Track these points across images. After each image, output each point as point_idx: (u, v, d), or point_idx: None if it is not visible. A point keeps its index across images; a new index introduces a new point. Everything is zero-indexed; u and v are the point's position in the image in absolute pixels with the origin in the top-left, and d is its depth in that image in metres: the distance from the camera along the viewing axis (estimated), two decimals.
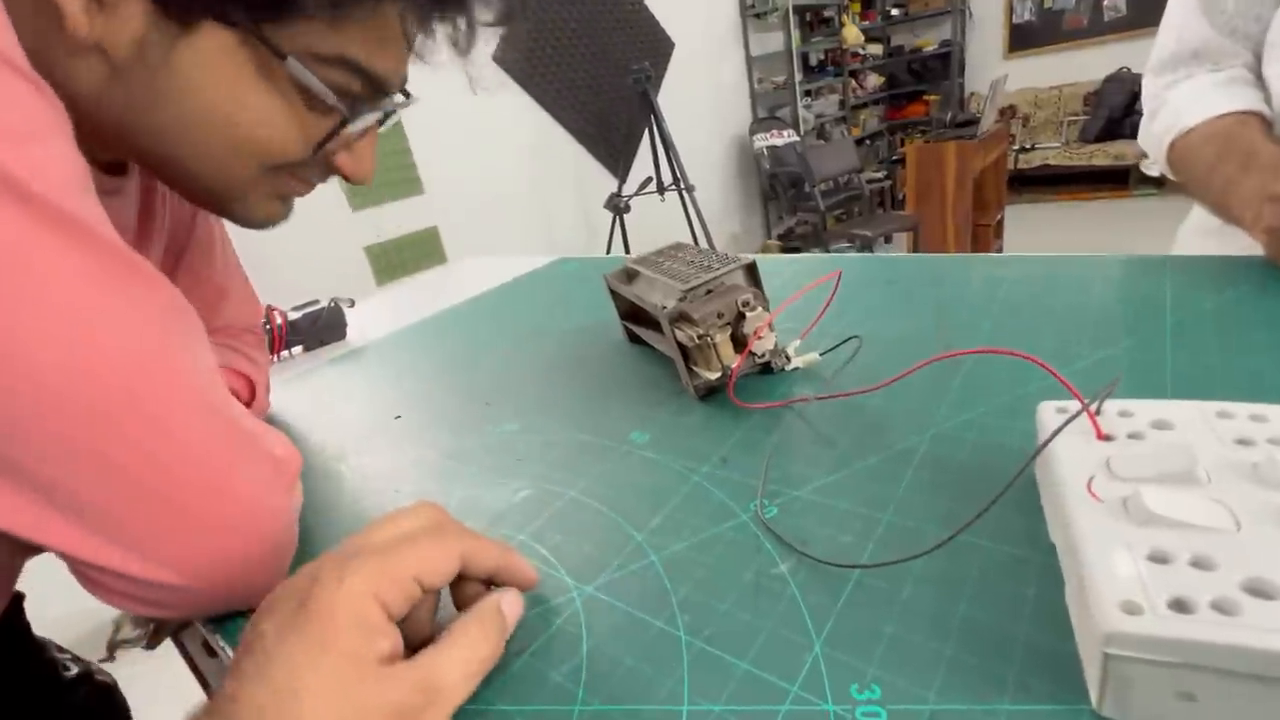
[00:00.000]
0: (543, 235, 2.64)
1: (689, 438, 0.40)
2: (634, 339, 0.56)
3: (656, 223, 3.02)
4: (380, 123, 0.36)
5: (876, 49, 4.47)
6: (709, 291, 0.43)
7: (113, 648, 1.41)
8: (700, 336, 0.40)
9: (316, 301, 0.80)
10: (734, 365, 0.40)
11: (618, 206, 2.49)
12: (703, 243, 2.60)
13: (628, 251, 2.59)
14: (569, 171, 2.72)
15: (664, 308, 0.42)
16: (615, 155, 2.84)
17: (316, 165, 0.35)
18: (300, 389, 0.64)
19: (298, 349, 0.78)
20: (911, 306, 0.51)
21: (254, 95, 0.29)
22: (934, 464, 0.32)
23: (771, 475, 0.34)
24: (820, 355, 0.44)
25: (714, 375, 0.41)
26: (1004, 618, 0.23)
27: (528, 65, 2.48)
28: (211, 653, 0.52)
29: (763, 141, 3.54)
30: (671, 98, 3.04)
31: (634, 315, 0.55)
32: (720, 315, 0.40)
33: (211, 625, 0.33)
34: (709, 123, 3.45)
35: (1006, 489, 0.25)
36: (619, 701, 0.24)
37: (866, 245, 2.98)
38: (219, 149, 0.31)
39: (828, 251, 3.16)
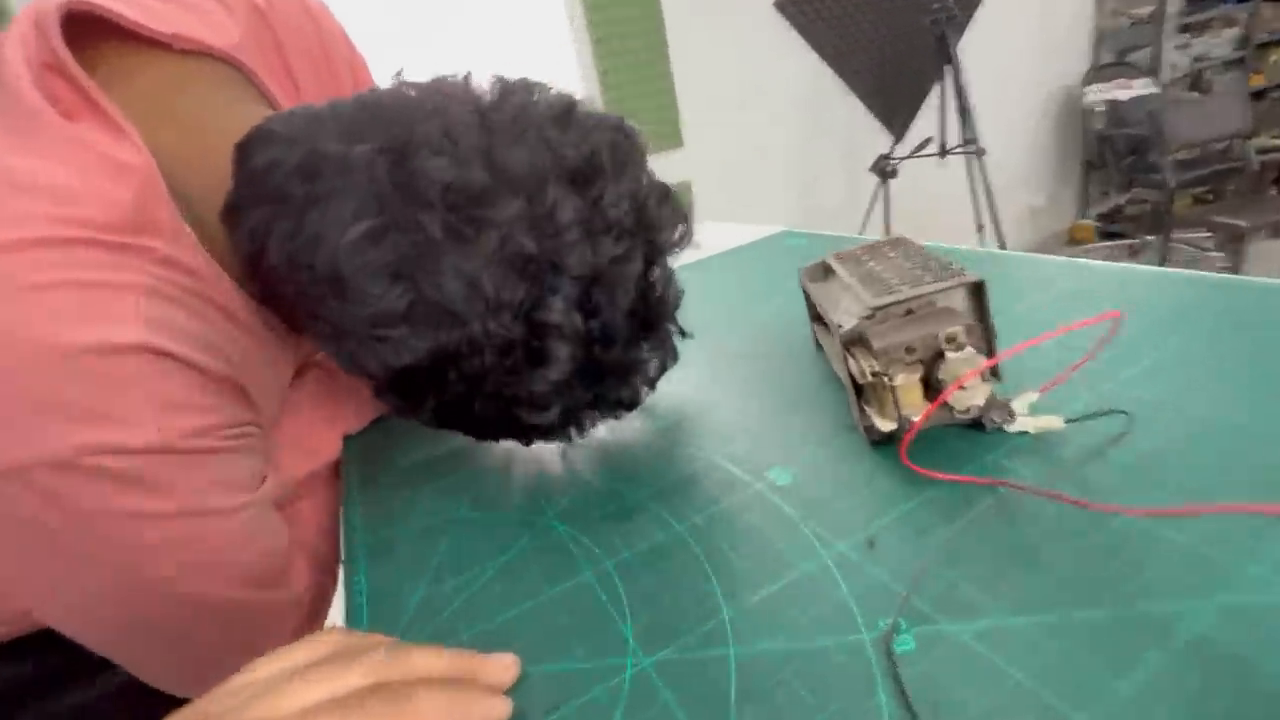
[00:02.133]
0: (800, 196, 2.49)
1: (838, 495, 0.31)
2: (820, 346, 0.47)
3: (930, 190, 2.64)
4: None
5: None
6: (909, 312, 0.33)
7: None
8: (875, 374, 0.30)
9: None
10: (915, 420, 0.30)
11: (884, 170, 2.21)
12: (985, 218, 2.19)
13: (887, 222, 2.31)
14: (839, 128, 2.49)
15: (841, 326, 0.33)
16: (893, 110, 2.51)
17: None
18: None
19: None
20: (1245, 369, 0.33)
21: None
22: (1205, 656, 0.20)
23: (926, 586, 0.25)
24: (1065, 422, 0.32)
25: (886, 426, 0.31)
26: None
27: (811, 9, 2.30)
28: None
29: (1100, 94, 2.81)
30: (978, 41, 2.56)
31: (821, 320, 0.46)
32: (910, 350, 0.30)
33: None
34: (1026, 71, 2.84)
35: None
36: None
37: (1234, 239, 2.22)
38: None
39: (1168, 242, 2.43)
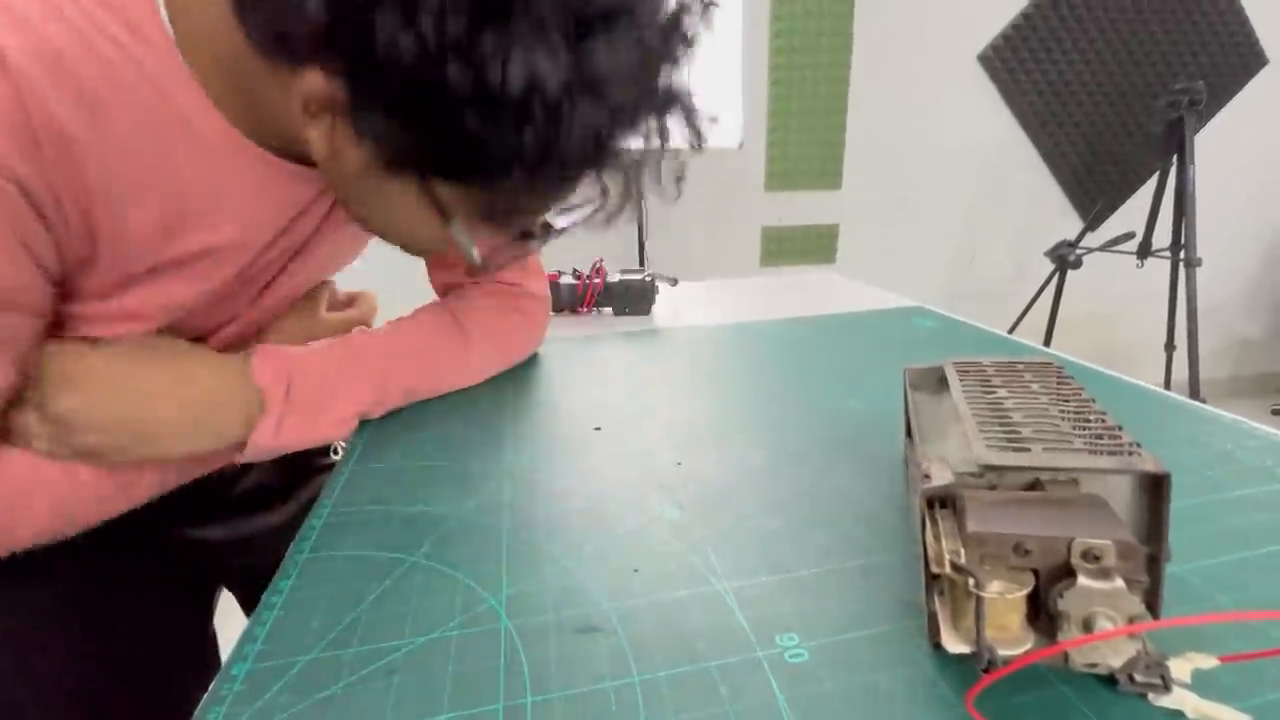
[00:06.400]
0: (954, 267, 2.26)
1: (855, 708, 0.22)
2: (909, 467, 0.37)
3: (1116, 293, 2.31)
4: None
5: None
6: (1036, 484, 0.23)
7: None
8: (957, 568, 0.21)
9: (640, 271, 0.80)
10: (1009, 658, 0.20)
11: (1064, 259, 1.94)
12: (1180, 338, 1.85)
13: (1052, 319, 2.03)
14: (1019, 202, 2.23)
15: (928, 477, 0.24)
16: (1091, 194, 2.21)
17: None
18: (583, 351, 0.63)
19: (608, 310, 0.80)
20: None
21: (427, 226, 0.36)
22: None
23: None
24: None
25: (956, 646, 0.21)
26: None
27: (1019, 68, 2.07)
28: None
29: None
30: (1221, 135, 2.19)
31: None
32: (1022, 551, 0.20)
33: None
34: (1275, 182, 2.38)
35: None
36: None
37: None
38: (393, 236, 0.40)
39: None
